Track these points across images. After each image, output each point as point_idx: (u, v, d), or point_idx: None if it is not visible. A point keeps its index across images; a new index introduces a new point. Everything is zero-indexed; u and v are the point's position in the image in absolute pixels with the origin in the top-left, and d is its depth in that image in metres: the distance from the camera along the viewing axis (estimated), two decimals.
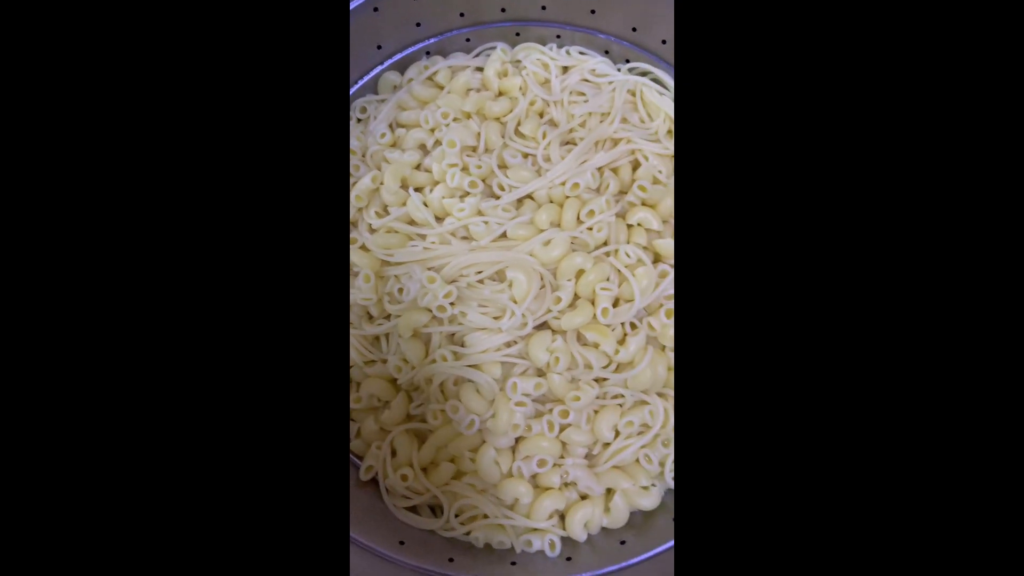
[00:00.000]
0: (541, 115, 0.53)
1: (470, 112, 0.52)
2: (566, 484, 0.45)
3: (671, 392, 0.46)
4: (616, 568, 0.42)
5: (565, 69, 0.54)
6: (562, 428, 0.45)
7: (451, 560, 0.43)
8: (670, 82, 0.53)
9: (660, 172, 0.49)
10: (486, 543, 0.44)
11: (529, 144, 0.51)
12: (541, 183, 0.49)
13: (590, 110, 0.51)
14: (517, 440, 0.46)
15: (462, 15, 0.54)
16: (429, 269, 0.47)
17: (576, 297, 0.46)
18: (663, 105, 0.52)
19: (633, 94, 0.53)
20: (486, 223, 0.48)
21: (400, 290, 0.47)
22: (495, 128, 0.52)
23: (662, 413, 0.44)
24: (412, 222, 0.50)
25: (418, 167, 0.52)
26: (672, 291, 0.46)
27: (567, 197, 0.48)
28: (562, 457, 0.45)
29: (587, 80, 0.54)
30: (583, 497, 0.45)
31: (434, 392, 0.46)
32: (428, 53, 0.55)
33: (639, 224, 0.48)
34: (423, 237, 0.49)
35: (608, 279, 0.46)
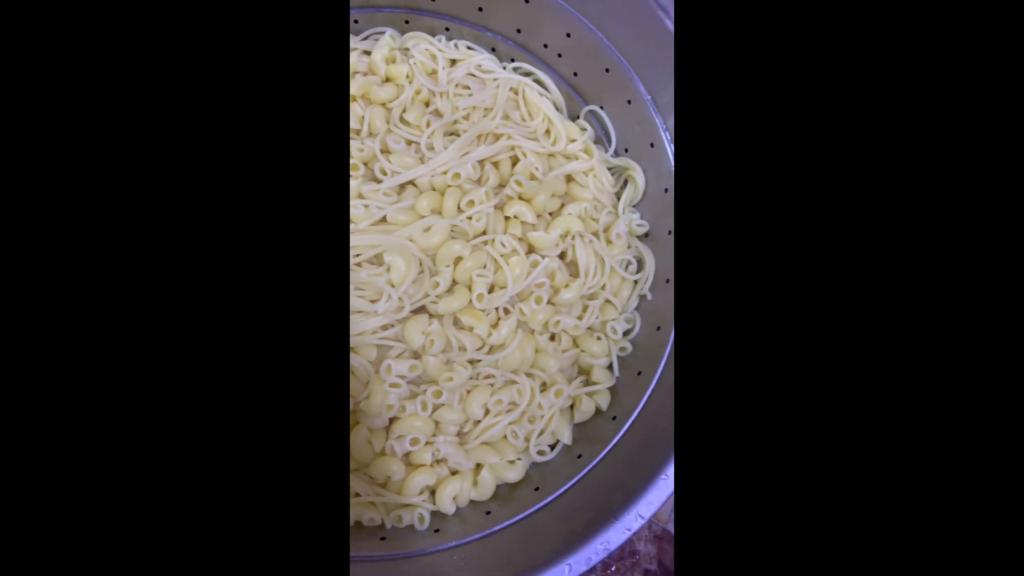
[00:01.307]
0: (427, 104, 0.54)
1: (355, 95, 0.52)
2: (437, 461, 0.47)
3: (538, 372, 0.49)
4: (481, 535, 0.45)
5: (453, 62, 0.56)
6: (435, 408, 0.47)
7: None
8: (551, 84, 0.57)
9: (536, 169, 0.52)
10: (356, 520, 0.45)
11: (413, 132, 0.52)
12: (424, 170, 0.50)
13: (474, 104, 0.53)
14: (391, 420, 0.47)
15: None
16: None
17: (454, 283, 0.48)
18: (543, 105, 0.55)
19: (516, 92, 0.56)
20: (366, 206, 0.48)
21: None
22: (380, 113, 0.52)
23: (528, 391, 0.48)
24: None
25: None
26: (543, 280, 0.49)
27: (448, 186, 0.50)
28: (434, 435, 0.47)
29: (473, 75, 0.56)
30: (453, 472, 0.48)
31: None
32: None
33: (515, 216, 0.51)
34: None
35: (484, 267, 0.48)
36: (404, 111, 0.52)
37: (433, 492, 0.47)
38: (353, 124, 0.51)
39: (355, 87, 0.52)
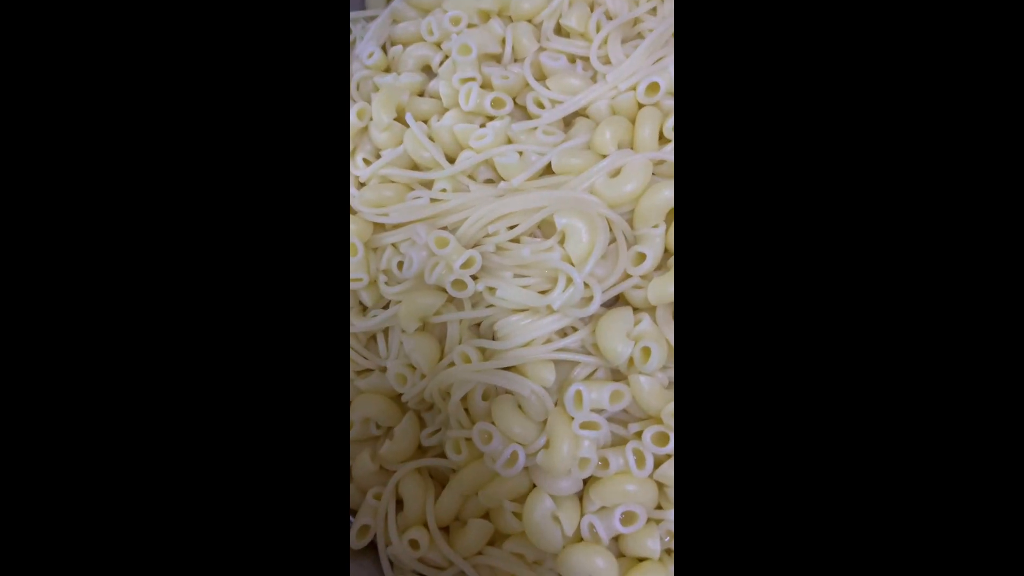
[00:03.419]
0: (592, 8, 0.37)
1: (489, 12, 0.37)
2: (670, 551, 0.29)
3: None
4: None
5: None
6: (658, 462, 0.29)
7: None
8: None
9: None
10: None
11: (577, 43, 0.35)
12: (599, 90, 0.33)
13: None
14: (586, 482, 0.29)
15: None
16: (440, 229, 0.31)
17: (667, 253, 0.30)
18: None
19: None
20: (520, 153, 0.32)
21: (400, 264, 0.32)
22: (526, 30, 0.37)
23: None
24: (414, 166, 0.35)
25: (421, 94, 0.37)
26: None
27: (641, 106, 0.32)
28: (660, 508, 0.29)
29: None
30: None
31: (454, 411, 0.31)
32: None
33: None
34: (429, 185, 0.34)
35: None
36: (560, 18, 0.36)
37: None
38: (492, 47, 0.36)
39: (488, 1, 0.37)
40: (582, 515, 0.29)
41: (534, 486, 0.30)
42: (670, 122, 0.31)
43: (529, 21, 0.38)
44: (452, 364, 0.31)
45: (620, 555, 0.29)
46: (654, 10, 0.36)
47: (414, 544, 0.30)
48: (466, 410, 0.31)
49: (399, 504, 0.32)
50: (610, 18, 0.36)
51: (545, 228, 0.31)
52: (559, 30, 0.37)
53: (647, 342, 0.28)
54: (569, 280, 0.29)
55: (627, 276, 0.30)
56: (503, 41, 0.37)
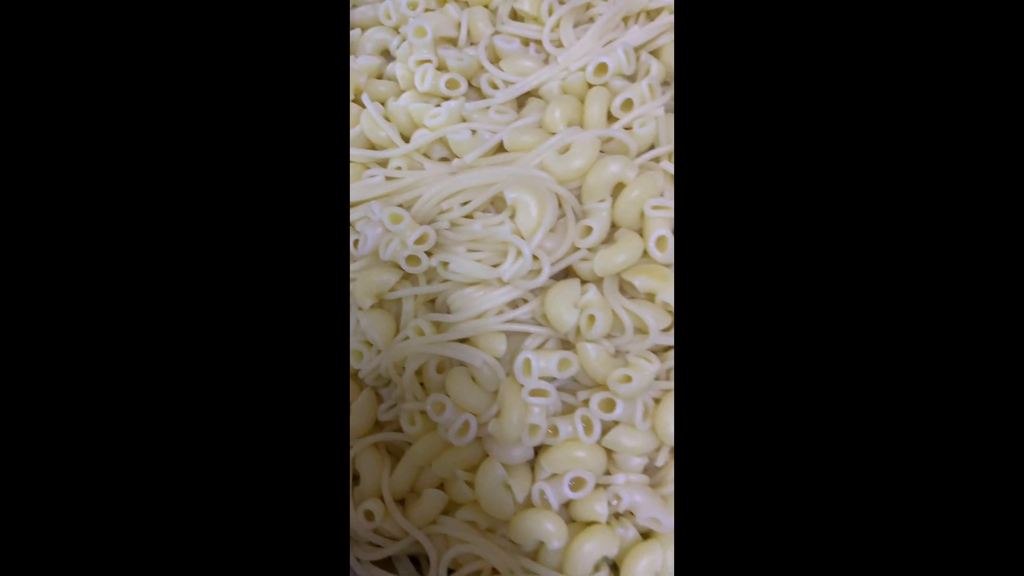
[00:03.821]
0: None
1: None
2: (618, 515, 0.30)
3: None
4: None
5: None
6: (606, 428, 0.30)
7: None
8: None
9: None
10: None
11: (530, 27, 0.36)
12: (550, 72, 0.34)
13: None
14: (537, 451, 0.30)
15: None
16: (394, 206, 0.32)
17: (614, 226, 0.31)
18: None
19: None
20: (473, 131, 0.33)
21: (355, 242, 0.32)
22: (482, 14, 0.37)
23: None
24: (371, 146, 0.35)
25: (380, 77, 0.37)
26: None
27: (590, 86, 0.33)
28: (608, 473, 0.30)
29: None
30: (646, 535, 0.30)
31: (409, 384, 0.31)
32: None
33: None
34: (384, 164, 0.34)
35: (662, 194, 0.30)
36: (514, 3, 0.37)
37: (616, 567, 0.29)
38: (448, 31, 0.37)
39: None
40: (533, 482, 0.30)
41: (486, 456, 0.30)
42: (617, 101, 0.32)
43: (485, 6, 0.38)
44: (407, 338, 0.32)
45: (570, 520, 0.30)
46: None
47: (369, 515, 0.31)
48: (421, 384, 0.32)
49: (355, 479, 0.32)
50: (562, 3, 0.37)
51: (497, 203, 0.32)
52: (513, 14, 0.38)
53: (592, 310, 0.29)
54: (519, 253, 0.30)
55: (575, 249, 0.31)
56: (459, 25, 0.37)
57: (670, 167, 0.31)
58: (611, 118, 0.33)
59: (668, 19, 0.35)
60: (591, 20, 0.37)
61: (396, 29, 0.39)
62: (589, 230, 0.30)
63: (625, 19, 0.36)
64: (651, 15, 0.36)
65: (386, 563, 0.31)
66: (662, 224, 0.30)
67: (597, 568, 0.29)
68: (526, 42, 0.36)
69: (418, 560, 0.32)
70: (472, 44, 0.37)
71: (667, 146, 0.32)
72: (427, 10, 0.38)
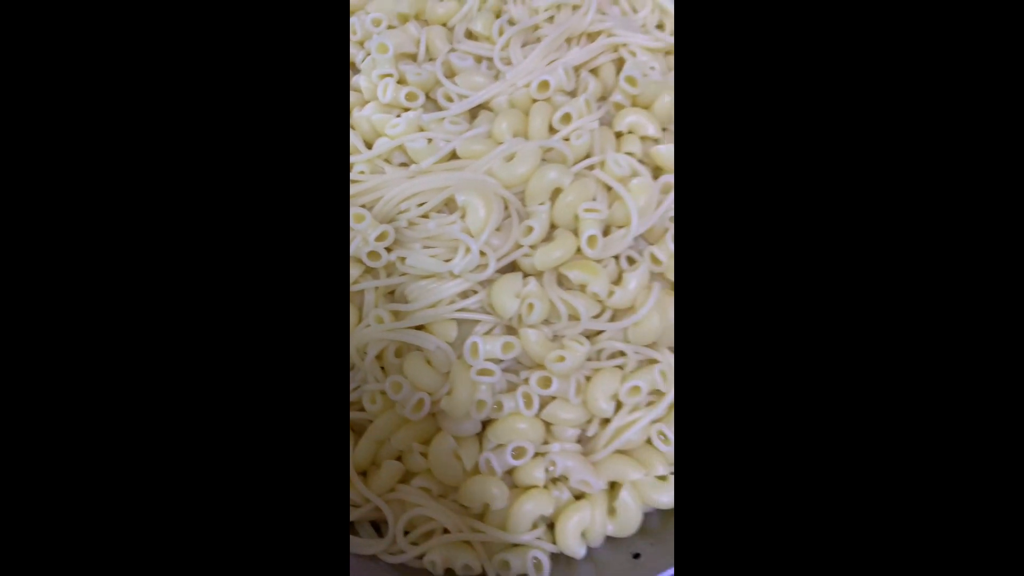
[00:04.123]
0: (497, 15, 0.42)
1: (407, 15, 0.41)
2: (554, 480, 0.34)
3: None
4: None
5: None
6: (544, 403, 0.33)
7: None
8: None
9: (652, 68, 0.38)
10: (446, 568, 0.32)
11: (483, 45, 0.40)
12: (499, 87, 0.38)
13: (558, 1, 0.40)
14: (484, 424, 0.34)
15: None
16: (358, 207, 0.35)
17: (553, 226, 0.35)
18: None
19: None
20: (429, 141, 0.36)
21: None
22: (439, 32, 0.41)
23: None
24: None
25: None
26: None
27: (534, 101, 0.37)
28: (546, 443, 0.34)
29: None
30: (578, 496, 0.34)
31: (370, 367, 0.34)
32: None
33: (630, 131, 0.37)
34: (349, 168, 0.38)
35: (594, 199, 0.34)
36: (469, 23, 0.41)
37: (552, 526, 0.33)
38: (408, 47, 0.40)
39: (406, 4, 0.41)
40: (480, 452, 0.34)
41: (439, 430, 0.34)
42: (557, 115, 0.36)
43: (443, 24, 0.42)
44: (368, 326, 0.35)
45: (512, 485, 0.34)
46: (551, 18, 0.41)
47: None
48: (381, 367, 0.35)
49: None
50: (512, 24, 0.41)
51: (450, 205, 0.36)
52: (468, 34, 0.41)
53: (532, 300, 0.33)
54: (468, 249, 0.33)
55: (518, 246, 0.34)
56: (418, 42, 0.41)
57: (602, 175, 0.35)
58: (552, 130, 0.37)
59: (606, 41, 0.39)
60: (538, 40, 0.40)
61: (361, 44, 0.42)
62: (530, 229, 0.34)
63: (568, 40, 0.40)
64: (591, 37, 0.40)
65: (350, 528, 0.35)
66: (593, 225, 0.34)
67: (535, 526, 0.33)
68: (479, 59, 0.40)
69: (378, 525, 0.35)
70: (430, 60, 0.41)
71: (599, 156, 0.36)
72: (390, 27, 0.41)
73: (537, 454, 0.33)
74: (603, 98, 0.39)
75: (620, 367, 0.34)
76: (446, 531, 0.33)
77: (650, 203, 0.34)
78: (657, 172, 0.36)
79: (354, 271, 0.35)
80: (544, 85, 0.37)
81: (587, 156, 0.36)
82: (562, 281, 0.34)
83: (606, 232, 0.34)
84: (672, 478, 0.33)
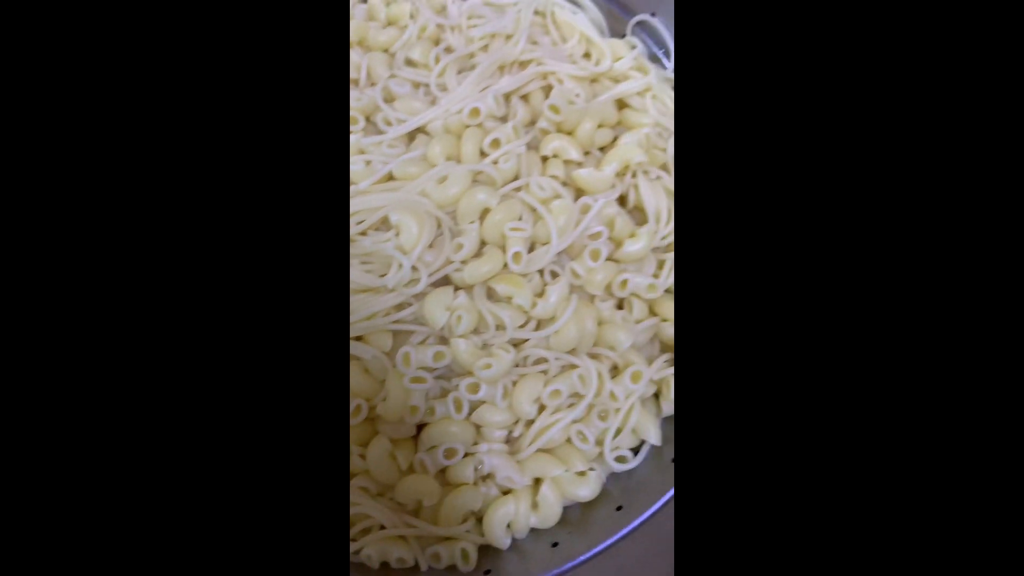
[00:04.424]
0: (436, 43, 0.44)
1: (351, 42, 0.44)
2: (483, 477, 0.36)
3: (606, 351, 0.37)
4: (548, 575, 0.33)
5: None
6: (473, 407, 0.36)
7: None
8: (586, 0, 0.46)
9: (577, 96, 0.41)
10: (382, 561, 0.35)
11: (420, 72, 0.43)
12: (435, 112, 0.40)
13: (492, 31, 0.43)
14: (418, 427, 0.36)
15: None
16: None
17: (482, 243, 0.38)
18: (578, 24, 0.45)
19: (543, 15, 0.45)
20: (367, 163, 0.39)
21: None
22: (380, 59, 0.43)
23: (595, 378, 0.36)
24: None
25: None
26: (598, 228, 0.38)
27: (466, 127, 0.40)
28: (475, 444, 0.36)
29: (490, 3, 0.46)
30: (505, 492, 0.36)
31: None
32: None
33: (554, 155, 0.40)
34: None
35: (520, 218, 0.37)
36: (408, 51, 0.43)
37: (480, 519, 0.36)
38: (351, 74, 0.42)
39: (350, 32, 0.43)
40: (415, 453, 0.36)
41: (376, 433, 0.36)
42: (487, 140, 0.39)
43: (385, 51, 0.45)
44: None
45: (444, 483, 0.36)
46: (486, 47, 0.44)
47: None
48: None
49: None
50: (449, 52, 0.44)
51: (386, 223, 0.38)
52: (408, 61, 0.44)
53: (461, 311, 0.36)
54: (400, 265, 0.36)
55: (450, 261, 0.37)
56: (360, 68, 0.43)
57: (527, 197, 0.38)
58: (483, 154, 0.39)
59: (536, 69, 0.42)
60: (473, 67, 0.43)
61: None
62: (461, 246, 0.37)
63: (501, 68, 0.43)
64: (523, 65, 0.43)
65: None
66: (518, 242, 0.36)
67: (465, 519, 0.36)
68: (417, 85, 0.43)
69: None
70: (371, 85, 0.43)
71: (525, 178, 0.39)
72: None
73: (467, 454, 0.36)
74: (532, 123, 0.42)
75: (543, 372, 0.37)
76: (382, 527, 0.35)
77: (570, 222, 0.37)
78: (579, 193, 0.39)
79: None
80: (475, 112, 0.40)
81: (515, 178, 0.39)
82: (490, 294, 0.37)
83: (531, 249, 0.37)
84: (591, 474, 0.36)
